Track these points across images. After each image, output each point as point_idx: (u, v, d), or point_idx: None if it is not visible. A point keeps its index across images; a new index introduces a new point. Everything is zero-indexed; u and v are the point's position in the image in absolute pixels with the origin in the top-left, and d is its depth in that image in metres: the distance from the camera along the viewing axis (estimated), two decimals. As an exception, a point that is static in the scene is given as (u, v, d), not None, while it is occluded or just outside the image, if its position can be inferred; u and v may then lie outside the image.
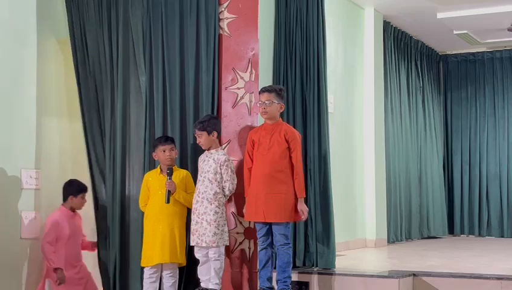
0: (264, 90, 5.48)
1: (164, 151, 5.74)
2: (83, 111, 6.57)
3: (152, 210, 5.73)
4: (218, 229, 5.47)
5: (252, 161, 5.47)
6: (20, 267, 6.37)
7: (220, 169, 5.52)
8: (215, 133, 5.60)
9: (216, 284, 5.46)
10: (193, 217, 5.56)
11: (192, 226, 5.55)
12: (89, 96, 6.57)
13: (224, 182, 5.54)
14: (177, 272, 5.73)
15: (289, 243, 5.37)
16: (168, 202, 5.57)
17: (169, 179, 5.59)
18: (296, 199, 5.35)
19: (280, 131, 5.40)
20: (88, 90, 6.58)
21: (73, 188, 6.44)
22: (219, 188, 5.53)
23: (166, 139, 5.81)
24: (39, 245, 6.33)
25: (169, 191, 5.57)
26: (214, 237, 5.44)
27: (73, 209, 6.46)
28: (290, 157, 5.38)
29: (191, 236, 5.56)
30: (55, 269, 6.15)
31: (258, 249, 5.49)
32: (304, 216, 5.39)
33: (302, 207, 5.36)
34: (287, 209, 5.32)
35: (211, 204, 5.49)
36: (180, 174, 5.76)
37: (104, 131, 6.48)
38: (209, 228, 5.45)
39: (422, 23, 9.27)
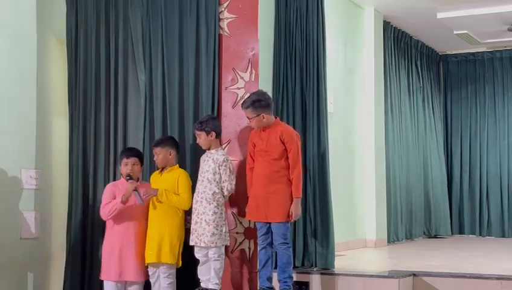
0: (242, 108, 5.49)
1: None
2: (86, 111, 6.57)
3: (149, 210, 5.73)
4: (217, 230, 5.46)
5: (254, 161, 5.48)
6: (20, 268, 6.36)
7: (219, 169, 5.52)
8: (214, 134, 5.58)
9: (216, 284, 5.46)
10: (193, 216, 5.56)
11: (192, 226, 5.55)
12: (87, 96, 6.57)
13: (223, 182, 5.53)
14: (174, 272, 5.68)
15: (288, 243, 5.36)
16: (141, 202, 5.56)
17: (130, 180, 5.60)
18: (295, 199, 5.36)
19: (276, 132, 5.39)
20: (87, 90, 6.57)
21: (120, 157, 5.86)
22: (218, 188, 5.52)
23: (154, 143, 5.84)
24: (39, 245, 6.32)
25: (137, 192, 5.55)
26: (212, 237, 5.44)
27: (134, 179, 5.71)
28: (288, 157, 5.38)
29: (191, 236, 5.56)
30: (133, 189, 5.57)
31: (258, 249, 5.49)
32: (292, 219, 5.37)
33: (295, 209, 5.32)
34: (286, 208, 5.31)
35: (209, 204, 5.48)
36: (173, 174, 5.70)
37: (103, 131, 6.47)
38: (208, 228, 5.45)
39: (422, 23, 9.27)
